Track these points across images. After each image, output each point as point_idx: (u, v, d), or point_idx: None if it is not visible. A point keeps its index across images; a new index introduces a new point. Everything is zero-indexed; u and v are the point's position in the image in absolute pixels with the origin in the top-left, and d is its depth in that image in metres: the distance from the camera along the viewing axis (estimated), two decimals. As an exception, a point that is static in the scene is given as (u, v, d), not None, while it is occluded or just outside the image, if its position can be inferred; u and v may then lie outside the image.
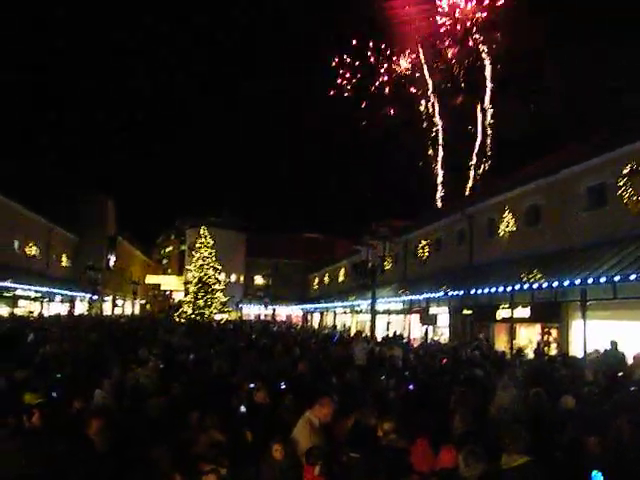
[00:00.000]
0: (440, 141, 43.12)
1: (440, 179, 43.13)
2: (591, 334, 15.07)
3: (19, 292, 32.90)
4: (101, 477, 4.39)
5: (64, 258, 45.81)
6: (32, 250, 37.75)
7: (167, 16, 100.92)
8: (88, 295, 44.78)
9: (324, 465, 5.03)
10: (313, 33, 63.24)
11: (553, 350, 17.20)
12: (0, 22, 77.14)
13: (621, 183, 15.48)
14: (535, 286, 16.18)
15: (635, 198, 15.04)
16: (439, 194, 43.14)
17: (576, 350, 15.82)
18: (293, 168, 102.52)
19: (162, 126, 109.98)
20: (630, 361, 12.02)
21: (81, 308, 46.65)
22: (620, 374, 10.74)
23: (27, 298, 35.02)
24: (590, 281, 14.12)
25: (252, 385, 7.35)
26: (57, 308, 40.94)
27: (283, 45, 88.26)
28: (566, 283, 14.92)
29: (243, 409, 6.53)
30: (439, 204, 42.20)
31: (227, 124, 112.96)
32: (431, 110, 42.71)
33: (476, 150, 41.20)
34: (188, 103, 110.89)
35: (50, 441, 4.70)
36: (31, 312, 33.71)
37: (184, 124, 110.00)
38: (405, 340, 22.62)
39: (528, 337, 19.52)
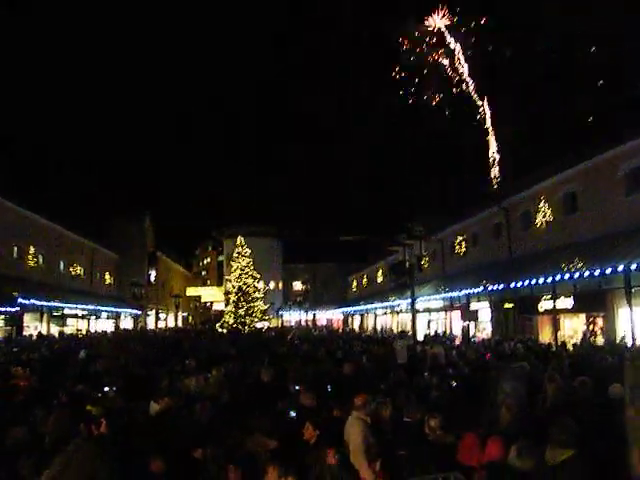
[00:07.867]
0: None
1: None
2: (638, 321, 14.73)
3: (67, 311, 34.07)
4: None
5: (107, 276, 47.21)
6: (77, 270, 39.14)
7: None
8: (132, 310, 45.95)
9: (384, 460, 5.10)
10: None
11: (600, 340, 16.87)
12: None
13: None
14: (577, 275, 15.90)
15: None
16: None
17: (624, 338, 15.49)
18: (320, 170, 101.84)
19: (199, 137, 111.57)
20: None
21: (126, 323, 47.92)
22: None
23: (75, 316, 36.21)
24: (633, 267, 13.82)
25: (297, 387, 7.50)
26: (103, 324, 42.14)
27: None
28: (608, 271, 14.60)
29: (293, 414, 6.66)
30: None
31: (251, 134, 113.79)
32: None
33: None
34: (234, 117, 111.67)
35: (117, 447, 5.03)
36: (79, 330, 34.81)
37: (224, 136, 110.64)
38: (448, 338, 22.45)
39: (573, 328, 19.18)
